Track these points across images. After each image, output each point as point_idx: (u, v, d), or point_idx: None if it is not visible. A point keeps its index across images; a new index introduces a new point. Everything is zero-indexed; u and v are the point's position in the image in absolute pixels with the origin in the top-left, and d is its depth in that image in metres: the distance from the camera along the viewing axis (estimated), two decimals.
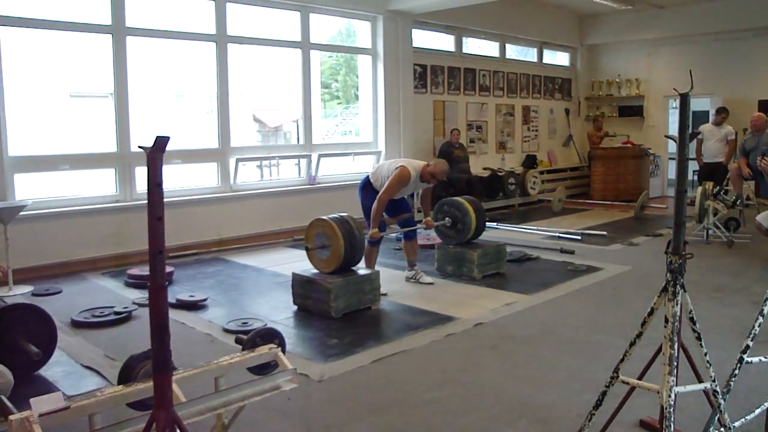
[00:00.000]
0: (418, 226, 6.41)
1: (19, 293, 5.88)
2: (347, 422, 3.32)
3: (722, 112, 10.07)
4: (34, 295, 5.92)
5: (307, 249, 5.48)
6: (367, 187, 6.15)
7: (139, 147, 1.90)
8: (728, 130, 9.95)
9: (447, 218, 6.52)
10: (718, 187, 8.05)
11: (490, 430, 3.21)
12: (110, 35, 7.23)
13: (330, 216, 5.42)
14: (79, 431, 2.13)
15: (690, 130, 2.50)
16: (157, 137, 1.85)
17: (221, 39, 8.16)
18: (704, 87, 11.81)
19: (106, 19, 7.20)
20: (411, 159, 6.55)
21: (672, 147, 13.00)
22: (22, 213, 6.21)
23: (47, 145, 7.71)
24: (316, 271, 5.48)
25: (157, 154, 1.87)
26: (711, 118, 10.68)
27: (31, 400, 2.19)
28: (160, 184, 1.89)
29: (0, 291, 5.82)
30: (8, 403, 2.68)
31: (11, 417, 2.15)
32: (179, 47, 8.30)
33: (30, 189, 6.86)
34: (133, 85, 7.45)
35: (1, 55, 6.49)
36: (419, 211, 6.42)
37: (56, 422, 2.19)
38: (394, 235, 7.49)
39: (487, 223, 6.85)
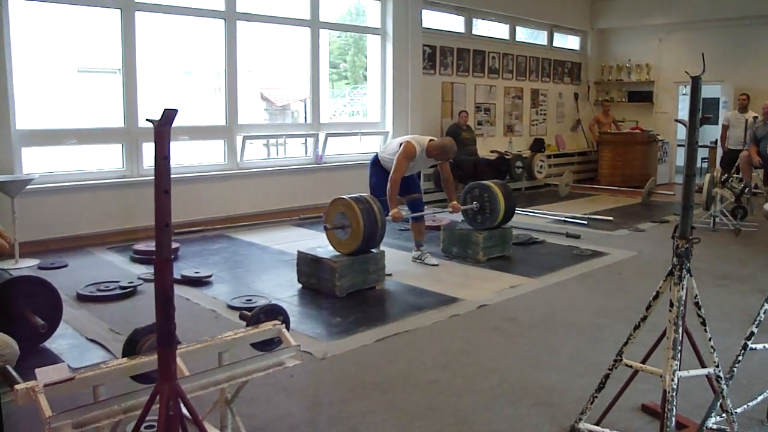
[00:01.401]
0: (445, 210, 6.38)
1: (25, 266, 5.91)
2: (349, 400, 3.34)
3: (743, 95, 10.06)
4: (40, 268, 5.94)
5: (325, 228, 5.44)
6: (375, 165, 6.16)
7: (147, 120, 1.90)
8: (753, 115, 9.91)
9: (475, 202, 6.36)
10: (726, 174, 8.00)
11: (492, 411, 3.22)
12: (119, 10, 7.18)
13: (351, 196, 5.36)
14: (83, 403, 2.14)
15: (700, 115, 2.48)
16: (165, 110, 1.84)
17: (230, 16, 8.10)
18: (715, 74, 11.64)
19: None
20: (417, 135, 6.41)
21: (681, 133, 12.92)
22: (29, 187, 6.22)
23: (55, 120, 7.71)
24: (321, 249, 5.49)
25: (164, 127, 1.86)
26: (721, 105, 10.61)
27: (37, 370, 2.20)
28: (167, 158, 1.88)
29: (6, 264, 5.84)
30: (14, 373, 2.70)
31: (17, 386, 2.17)
32: (188, 23, 8.25)
33: (37, 163, 6.86)
34: (142, 60, 7.41)
35: (10, 28, 6.46)
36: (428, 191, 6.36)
37: (61, 393, 2.20)
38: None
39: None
